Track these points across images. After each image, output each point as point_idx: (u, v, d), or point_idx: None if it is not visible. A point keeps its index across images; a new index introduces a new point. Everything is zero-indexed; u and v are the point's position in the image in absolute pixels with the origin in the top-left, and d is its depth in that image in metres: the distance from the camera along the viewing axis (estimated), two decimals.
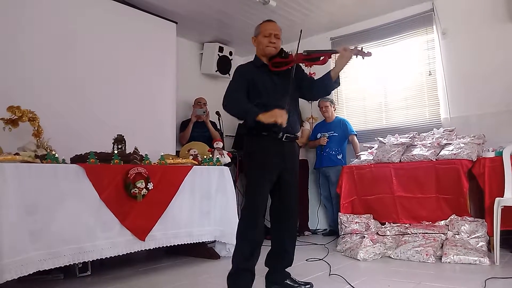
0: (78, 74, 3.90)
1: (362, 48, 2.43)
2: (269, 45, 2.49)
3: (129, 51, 4.37)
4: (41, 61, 3.65)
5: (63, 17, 3.85)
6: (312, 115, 5.33)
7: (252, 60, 2.62)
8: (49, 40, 3.72)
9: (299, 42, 2.50)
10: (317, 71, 3.28)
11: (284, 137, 2.44)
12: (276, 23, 2.58)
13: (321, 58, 2.52)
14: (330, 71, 2.50)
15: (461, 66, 4.34)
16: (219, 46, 5.51)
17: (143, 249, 3.03)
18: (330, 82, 2.49)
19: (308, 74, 2.76)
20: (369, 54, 2.44)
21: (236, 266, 2.35)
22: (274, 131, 2.40)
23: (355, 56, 2.43)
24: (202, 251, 3.61)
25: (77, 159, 2.91)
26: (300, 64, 2.58)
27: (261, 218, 2.41)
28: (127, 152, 3.22)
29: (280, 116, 2.27)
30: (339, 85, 2.62)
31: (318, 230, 5.08)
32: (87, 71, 3.97)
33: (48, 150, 2.88)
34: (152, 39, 4.61)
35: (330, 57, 2.59)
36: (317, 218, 5.10)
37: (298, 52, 2.47)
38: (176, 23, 4.88)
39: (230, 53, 5.60)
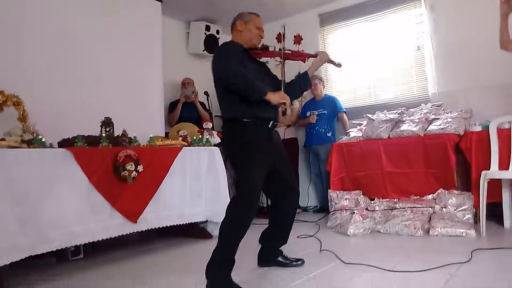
0: (62, 57, 3.82)
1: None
2: (259, 36, 2.53)
3: (113, 32, 4.28)
4: (25, 45, 3.57)
5: (49, 3, 3.75)
6: None
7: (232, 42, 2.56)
8: (33, 23, 3.63)
9: (283, 35, 2.76)
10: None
11: (271, 124, 2.43)
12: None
13: (300, 58, 2.64)
14: (307, 70, 2.61)
15: (449, 41, 4.33)
16: (206, 25, 5.42)
17: (135, 232, 3.04)
18: (307, 80, 2.59)
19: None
20: (339, 65, 2.65)
21: (218, 257, 2.21)
22: (263, 118, 2.37)
23: (327, 63, 2.65)
24: (195, 232, 3.64)
25: (65, 143, 2.88)
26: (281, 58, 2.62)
27: (253, 216, 2.29)
28: (115, 135, 3.19)
29: (287, 99, 2.28)
30: (310, 84, 2.76)
31: (309, 207, 5.14)
32: (71, 54, 3.89)
33: (35, 135, 2.84)
34: (136, 19, 4.52)
35: (308, 59, 2.66)
36: (307, 196, 5.15)
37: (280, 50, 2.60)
38: (161, 1, 4.78)
39: (217, 32, 5.52)
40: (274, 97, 2.25)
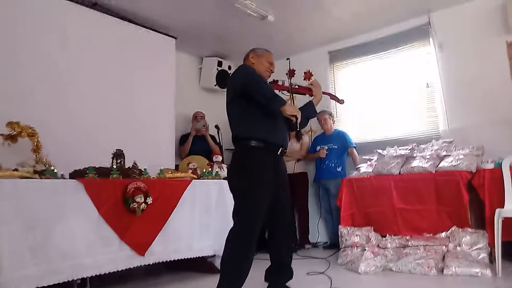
0: (78, 90, 3.93)
1: (335, 95, 2.88)
2: (269, 72, 2.63)
3: (129, 67, 4.40)
4: (40, 78, 3.68)
5: (63, 34, 3.89)
6: (311, 128, 5.34)
7: None
8: (49, 57, 3.75)
9: (290, 69, 2.89)
10: None
11: (280, 151, 2.43)
12: None
13: (306, 93, 2.75)
14: (311, 100, 2.68)
15: (458, 78, 4.37)
16: (218, 61, 5.56)
17: (143, 265, 3.00)
18: (312, 110, 2.65)
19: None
20: (342, 101, 2.84)
21: None
22: (272, 143, 2.40)
23: (333, 100, 2.83)
24: (202, 266, 3.57)
25: (76, 174, 2.91)
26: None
27: (255, 246, 2.27)
28: (126, 167, 3.22)
29: (299, 112, 2.29)
30: (317, 115, 2.84)
31: (319, 243, 5.05)
32: (87, 87, 4.00)
33: (47, 166, 2.88)
34: (151, 54, 4.66)
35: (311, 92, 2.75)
36: (317, 231, 5.07)
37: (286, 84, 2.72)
38: (176, 38, 4.93)
39: (229, 67, 5.64)
40: (289, 108, 2.25)
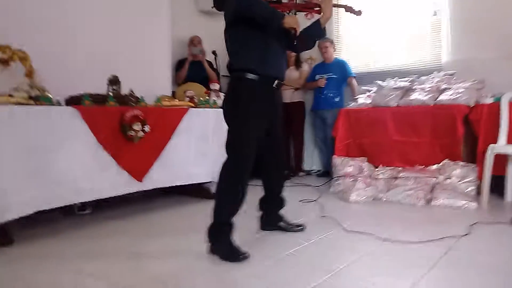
0: (69, 14, 3.73)
1: (352, 7, 2.51)
2: None
3: None
4: (31, 1, 3.48)
5: None
6: (311, 56, 5.21)
7: None
8: None
9: None
10: None
11: (275, 83, 2.38)
12: None
13: (316, 8, 2.43)
14: (318, 19, 2.42)
15: (467, 8, 4.17)
16: None
17: (141, 190, 3.10)
18: (318, 30, 2.43)
19: None
20: (359, 12, 2.50)
21: (218, 219, 2.24)
22: (268, 76, 2.32)
23: (348, 12, 2.50)
24: (199, 191, 3.70)
25: (72, 101, 2.88)
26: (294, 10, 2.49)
27: (248, 174, 2.30)
28: (122, 94, 3.18)
29: (298, 25, 2.20)
30: (325, 35, 2.60)
31: (313, 171, 5.18)
32: (78, 12, 3.79)
33: (41, 91, 2.83)
34: None
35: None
36: (311, 160, 5.17)
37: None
38: None
39: None
40: (289, 20, 2.17)
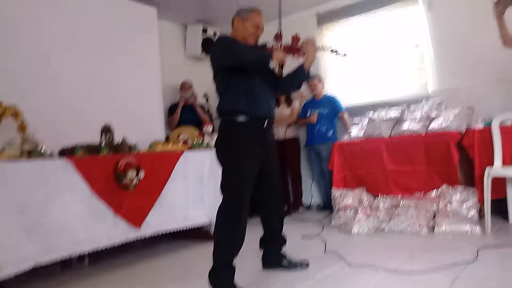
0: (60, 65, 3.82)
1: (337, 50, 2.55)
2: (254, 36, 2.47)
3: (110, 38, 4.27)
4: (21, 54, 3.56)
5: (43, 7, 3.73)
6: (301, 93, 5.29)
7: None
8: (28, 31, 3.61)
9: (280, 8, 2.53)
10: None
11: (266, 123, 2.40)
12: (262, 17, 2.53)
13: (300, 51, 2.51)
14: (302, 63, 2.49)
15: (448, 37, 4.30)
16: (203, 27, 5.40)
17: (139, 238, 3.03)
18: (302, 74, 2.50)
19: None
20: (344, 55, 2.56)
21: (218, 262, 2.22)
22: (257, 116, 2.35)
23: (334, 53, 2.54)
24: (198, 234, 3.62)
25: (65, 153, 2.87)
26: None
27: (245, 213, 2.29)
28: (115, 142, 3.18)
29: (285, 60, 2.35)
30: (309, 78, 2.69)
31: (312, 206, 5.13)
32: (69, 62, 3.89)
33: (34, 145, 2.83)
34: (132, 25, 4.52)
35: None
36: (310, 194, 5.13)
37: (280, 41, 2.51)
38: (157, 6, 4.75)
39: (215, 34, 5.49)
40: (278, 55, 2.31)
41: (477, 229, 3.06)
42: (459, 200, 3.33)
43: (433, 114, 3.89)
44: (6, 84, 3.38)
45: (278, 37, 2.61)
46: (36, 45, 3.66)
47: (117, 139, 3.23)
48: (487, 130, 3.34)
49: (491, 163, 3.22)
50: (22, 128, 3.02)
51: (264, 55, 2.31)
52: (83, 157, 2.80)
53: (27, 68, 3.58)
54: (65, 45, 3.86)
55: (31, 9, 3.65)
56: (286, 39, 2.93)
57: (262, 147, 2.39)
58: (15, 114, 3.03)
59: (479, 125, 3.55)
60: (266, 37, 2.67)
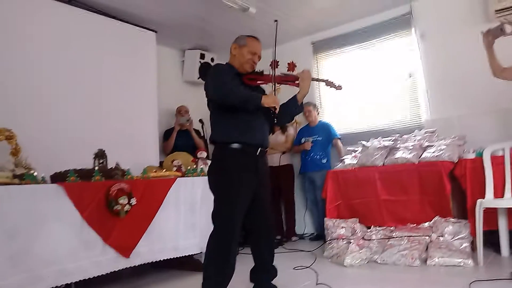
0: (55, 88, 3.84)
1: (332, 81, 2.63)
2: (251, 62, 2.51)
3: (108, 63, 4.31)
4: (16, 77, 3.57)
5: (40, 30, 3.78)
6: (296, 120, 5.33)
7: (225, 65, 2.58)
8: (23, 55, 3.64)
9: (276, 34, 2.61)
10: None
11: (259, 151, 2.40)
12: (261, 44, 2.57)
13: (296, 81, 2.57)
14: (296, 94, 2.55)
15: (440, 68, 4.39)
16: (201, 53, 5.48)
17: (128, 267, 2.98)
18: (295, 106, 2.55)
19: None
20: (339, 87, 2.63)
21: None
22: (249, 144, 2.36)
23: (328, 86, 2.61)
24: (189, 264, 3.57)
25: (57, 177, 2.86)
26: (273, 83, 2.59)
27: (235, 244, 2.29)
28: (108, 167, 3.17)
29: (278, 102, 2.34)
30: (302, 110, 2.71)
31: (305, 235, 5.09)
32: (65, 85, 3.91)
33: (27, 169, 2.82)
34: (131, 49, 4.57)
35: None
36: (303, 223, 5.10)
37: (271, 74, 2.54)
38: (156, 32, 4.84)
39: (212, 60, 5.57)
40: (267, 100, 2.30)
41: (470, 262, 3.04)
42: (451, 232, 3.33)
43: (426, 144, 3.93)
44: (2, 108, 3.39)
45: (274, 65, 2.65)
46: (32, 68, 3.69)
47: (111, 163, 3.23)
48: (479, 160, 3.37)
49: (483, 194, 3.23)
50: (15, 151, 3.01)
51: (250, 98, 2.29)
52: (75, 182, 2.78)
53: (21, 91, 3.59)
54: (62, 68, 3.89)
55: (28, 30, 3.70)
56: (282, 67, 2.98)
57: (255, 175, 2.40)
58: (10, 138, 3.02)
59: (471, 155, 3.57)
60: (263, 65, 2.72)
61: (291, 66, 5.36)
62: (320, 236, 4.56)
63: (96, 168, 3.08)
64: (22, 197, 2.47)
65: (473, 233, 3.27)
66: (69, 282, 2.62)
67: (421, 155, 3.80)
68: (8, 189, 2.44)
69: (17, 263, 2.34)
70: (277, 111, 2.34)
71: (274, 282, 2.58)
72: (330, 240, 3.87)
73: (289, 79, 2.65)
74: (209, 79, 2.41)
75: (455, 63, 4.27)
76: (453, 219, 3.43)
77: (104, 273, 2.79)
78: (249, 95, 2.30)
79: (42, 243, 2.48)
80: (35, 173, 2.75)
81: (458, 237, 3.30)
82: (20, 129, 3.10)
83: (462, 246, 3.24)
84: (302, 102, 2.56)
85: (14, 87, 3.56)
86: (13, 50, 3.59)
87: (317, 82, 2.67)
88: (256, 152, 2.40)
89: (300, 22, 5.00)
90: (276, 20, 2.65)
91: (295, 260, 3.68)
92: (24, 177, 2.64)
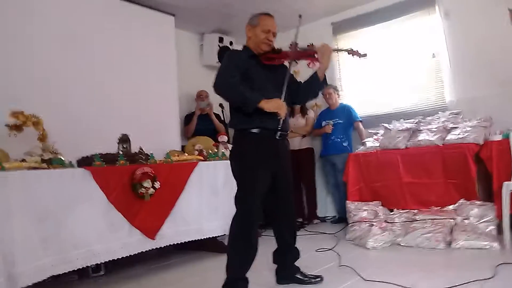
0: (78, 73, 3.89)
1: (357, 50, 2.50)
2: (266, 41, 2.45)
3: (128, 47, 4.35)
4: (41, 62, 3.64)
5: (62, 16, 3.83)
6: (316, 103, 5.29)
7: (242, 49, 2.55)
8: (47, 40, 3.70)
9: (297, 29, 2.55)
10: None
11: (278, 135, 2.38)
12: (274, 19, 2.52)
13: (316, 55, 2.50)
14: (315, 72, 2.50)
15: (465, 47, 4.26)
16: (219, 37, 5.45)
17: (154, 248, 3.05)
18: (318, 83, 2.50)
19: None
20: (364, 55, 2.49)
21: (231, 276, 2.26)
22: (268, 129, 2.33)
23: (351, 55, 2.50)
24: (212, 245, 3.63)
25: (83, 162, 2.92)
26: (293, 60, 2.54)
27: (256, 227, 2.32)
28: (132, 152, 3.22)
29: (282, 108, 2.27)
30: (327, 85, 2.65)
31: (327, 218, 5.10)
32: (87, 70, 3.96)
33: (54, 154, 2.89)
34: (150, 33, 4.58)
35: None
36: (325, 206, 5.10)
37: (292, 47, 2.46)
38: (174, 15, 4.83)
39: (231, 43, 5.54)
40: (267, 105, 2.23)
41: (496, 244, 3.00)
42: (477, 215, 3.28)
43: (450, 125, 3.85)
44: (29, 92, 3.47)
45: (293, 47, 2.59)
46: (59, 57, 3.75)
47: (134, 148, 3.28)
48: (506, 142, 3.29)
49: (509, 176, 3.16)
50: (42, 137, 3.08)
51: (248, 101, 2.24)
52: (101, 167, 2.84)
53: (50, 77, 3.67)
54: (81, 54, 3.93)
55: (55, 20, 3.76)
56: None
57: (275, 159, 2.40)
58: (36, 124, 3.08)
59: (498, 137, 3.49)
60: (282, 46, 2.67)
61: (310, 47, 5.28)
62: (342, 219, 4.56)
63: (121, 152, 3.13)
64: (51, 181, 2.54)
65: (499, 216, 3.21)
66: (98, 263, 2.70)
67: (445, 137, 3.73)
68: (37, 173, 2.52)
69: (48, 245, 2.43)
70: (282, 117, 2.28)
71: (297, 263, 2.60)
72: (352, 223, 3.87)
73: (308, 54, 2.59)
74: (217, 74, 2.37)
75: (480, 42, 4.15)
76: (478, 202, 3.37)
77: (131, 254, 2.87)
78: (246, 97, 2.24)
79: (71, 225, 2.56)
80: (62, 158, 2.82)
81: (484, 220, 3.26)
82: (46, 114, 3.16)
83: (487, 229, 3.20)
84: (325, 77, 2.51)
85: (41, 74, 3.62)
86: (40, 38, 3.65)
87: (338, 53, 2.55)
88: (275, 136, 2.39)
89: (320, 3, 4.90)
90: (300, 16, 2.60)
91: (318, 242, 3.70)
92: (52, 162, 2.71)
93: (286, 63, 2.58)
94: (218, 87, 2.30)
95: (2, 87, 3.35)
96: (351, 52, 2.51)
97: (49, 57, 3.70)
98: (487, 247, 3.01)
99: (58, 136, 3.10)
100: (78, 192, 2.65)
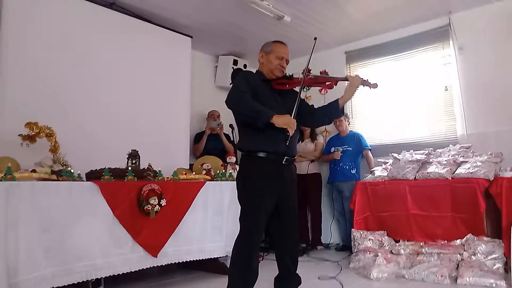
0: (95, 89, 3.97)
1: (368, 80, 2.51)
2: (279, 67, 2.50)
3: (145, 66, 4.43)
4: (58, 77, 3.73)
5: (81, 34, 3.93)
6: (326, 129, 5.31)
7: (255, 72, 2.61)
8: (65, 56, 3.79)
9: (312, 51, 2.58)
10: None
11: (284, 160, 2.40)
12: (287, 48, 2.58)
13: (327, 83, 2.54)
14: (338, 99, 2.52)
15: (478, 82, 4.27)
16: (234, 59, 5.55)
17: (155, 265, 3.04)
18: (336, 111, 2.53)
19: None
20: (375, 85, 2.52)
21: None
22: (275, 153, 2.35)
23: (362, 86, 2.51)
24: (214, 267, 3.60)
25: (92, 175, 2.96)
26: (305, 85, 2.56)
27: (256, 254, 2.34)
28: (141, 168, 3.25)
29: (292, 124, 2.26)
30: (343, 114, 2.66)
31: (331, 245, 5.04)
32: (103, 86, 4.05)
33: (64, 166, 2.93)
34: (167, 53, 4.68)
35: (336, 84, 2.59)
36: (330, 232, 5.05)
37: (305, 75, 2.50)
38: (191, 37, 4.94)
39: (245, 66, 5.63)
40: (278, 120, 2.22)
41: (503, 283, 2.93)
42: (484, 251, 3.22)
43: (460, 159, 3.82)
44: (46, 105, 3.55)
45: (307, 72, 2.61)
46: (76, 72, 3.84)
47: (143, 164, 3.31)
48: None
49: None
50: (54, 149, 3.14)
51: (260, 115, 2.24)
52: (109, 181, 2.87)
53: (66, 92, 3.75)
54: (98, 70, 4.01)
55: (74, 37, 3.86)
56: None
57: (280, 183, 2.40)
58: (50, 135, 3.15)
59: (508, 174, 3.45)
60: (295, 73, 2.71)
61: (323, 74, 5.34)
62: (346, 246, 4.50)
63: (129, 168, 3.16)
64: (59, 193, 2.58)
65: (507, 253, 3.15)
66: (99, 277, 2.70)
67: (455, 171, 3.70)
68: (46, 184, 2.56)
69: (51, 255, 2.45)
70: (290, 134, 2.27)
71: None
72: (356, 251, 3.82)
73: (322, 80, 2.62)
74: (232, 85, 2.44)
75: (493, 78, 4.16)
76: (486, 238, 3.32)
77: (132, 270, 2.86)
78: (258, 111, 2.25)
79: (75, 237, 2.58)
80: (72, 170, 2.86)
81: (491, 257, 3.20)
82: (59, 127, 3.23)
83: (495, 267, 3.13)
84: (343, 107, 2.54)
85: (57, 87, 3.71)
86: (58, 52, 3.74)
87: (363, 86, 2.55)
88: (281, 160, 2.40)
89: (334, 32, 4.98)
90: (315, 38, 2.63)
91: (320, 269, 3.65)
92: (62, 174, 2.75)
93: (296, 88, 2.62)
94: (231, 100, 2.34)
95: (19, 100, 3.44)
96: (363, 82, 2.53)
97: (66, 74, 3.78)
98: (494, 285, 2.94)
99: (69, 149, 3.17)
100: (84, 204, 2.68)
